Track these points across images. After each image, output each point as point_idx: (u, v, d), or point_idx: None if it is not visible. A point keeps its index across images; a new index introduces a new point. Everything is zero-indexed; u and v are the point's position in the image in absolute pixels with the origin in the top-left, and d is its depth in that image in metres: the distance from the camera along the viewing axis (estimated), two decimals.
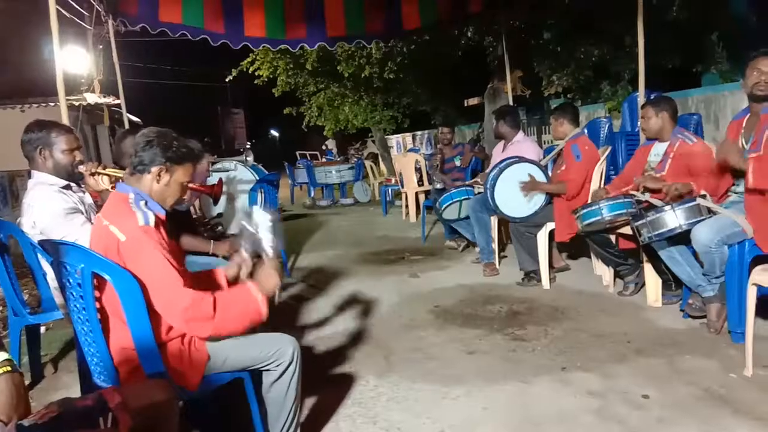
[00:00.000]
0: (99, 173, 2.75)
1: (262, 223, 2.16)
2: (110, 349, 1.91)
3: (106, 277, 1.82)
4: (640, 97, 4.93)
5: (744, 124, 3.21)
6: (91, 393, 1.61)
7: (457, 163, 6.50)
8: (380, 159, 15.59)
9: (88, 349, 1.99)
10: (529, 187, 4.38)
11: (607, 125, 5.61)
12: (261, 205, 5.49)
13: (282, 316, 4.13)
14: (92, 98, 11.20)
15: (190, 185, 2.21)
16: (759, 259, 2.90)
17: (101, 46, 8.80)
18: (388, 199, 10.06)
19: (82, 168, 2.78)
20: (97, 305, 1.88)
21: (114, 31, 5.73)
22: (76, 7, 5.87)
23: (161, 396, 1.64)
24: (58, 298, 2.81)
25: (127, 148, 2.84)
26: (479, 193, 5.19)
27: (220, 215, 3.70)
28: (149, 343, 1.86)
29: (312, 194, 12.60)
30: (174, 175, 2.04)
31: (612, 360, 3.01)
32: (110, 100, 11.64)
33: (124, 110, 6.10)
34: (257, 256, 2.20)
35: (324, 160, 14.93)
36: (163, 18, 5.69)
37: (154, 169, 2.00)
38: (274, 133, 45.71)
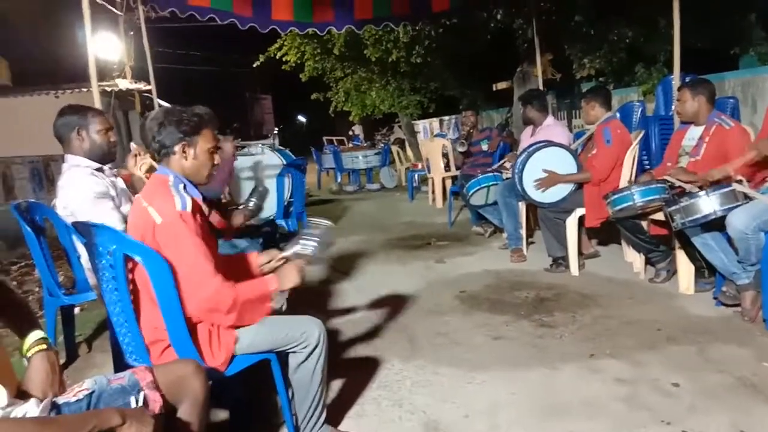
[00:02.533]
0: (143, 157, 2.84)
1: (316, 230, 2.23)
2: (142, 329, 1.95)
3: (138, 258, 1.85)
4: (675, 80, 4.81)
5: None
6: (123, 372, 1.64)
7: (484, 147, 6.42)
8: (407, 144, 15.51)
9: (120, 329, 2.03)
10: (547, 182, 4.31)
11: (640, 109, 5.49)
12: (286, 194, 5.53)
13: (308, 300, 4.16)
14: (124, 84, 11.36)
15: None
16: None
17: (132, 33, 8.91)
18: (414, 184, 10.03)
19: (133, 145, 2.90)
20: (129, 286, 1.92)
21: (144, 16, 5.79)
22: None
23: (192, 376, 1.66)
24: (91, 279, 2.88)
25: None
26: (507, 178, 5.13)
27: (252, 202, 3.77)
28: (180, 324, 1.89)
29: (339, 179, 12.63)
30: (198, 146, 2.05)
31: (642, 348, 2.96)
32: (141, 86, 11.79)
33: (155, 96, 6.17)
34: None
35: (351, 145, 14.93)
36: (192, 2, 5.72)
37: (177, 148, 2.02)
38: (302, 118, 45.83)
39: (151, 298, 1.91)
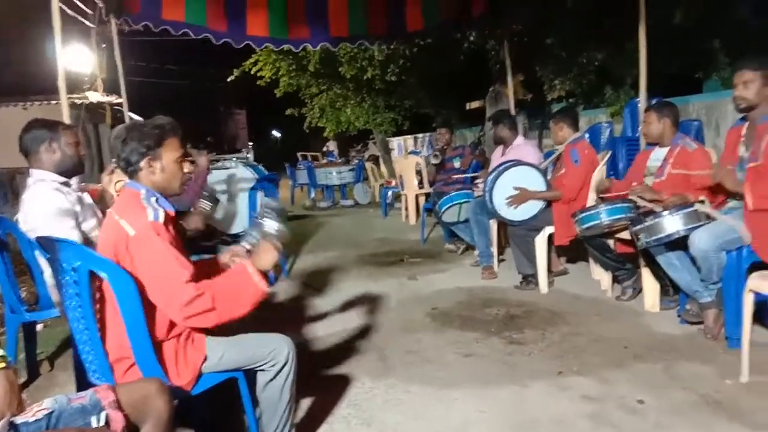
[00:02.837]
0: (119, 175, 2.83)
1: (268, 210, 2.22)
2: (106, 347, 1.91)
3: (103, 275, 1.82)
4: (642, 102, 4.94)
5: (743, 132, 3.21)
6: (85, 391, 1.61)
7: (457, 164, 6.48)
8: (381, 161, 15.59)
9: (83, 347, 1.98)
10: (519, 199, 4.38)
11: (608, 130, 5.61)
12: (259, 208, 5.51)
13: (278, 316, 4.13)
14: (95, 97, 11.22)
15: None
16: (756, 266, 2.90)
17: (104, 45, 8.82)
18: (388, 201, 10.06)
19: (113, 164, 2.90)
20: (94, 303, 1.88)
21: (117, 29, 5.74)
22: (80, 5, 5.88)
23: (155, 395, 1.64)
24: (55, 296, 2.82)
25: None
26: (479, 196, 5.18)
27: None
28: (145, 341, 1.86)
29: (312, 195, 12.60)
30: (163, 158, 2.02)
31: (609, 365, 3.01)
32: (112, 99, 11.66)
33: (125, 109, 6.09)
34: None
35: (325, 161, 14.94)
36: (166, 16, 5.69)
37: (143, 163, 2.00)
38: (276, 133, 45.74)
39: (115, 316, 1.88)
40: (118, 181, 2.86)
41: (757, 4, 7.83)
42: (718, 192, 3.23)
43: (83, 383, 2.08)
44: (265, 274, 1.98)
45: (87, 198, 2.93)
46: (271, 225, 2.17)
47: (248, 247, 2.24)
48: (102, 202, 2.97)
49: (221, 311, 1.88)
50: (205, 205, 3.71)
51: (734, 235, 2.98)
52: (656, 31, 5.29)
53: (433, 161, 6.41)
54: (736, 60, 8.07)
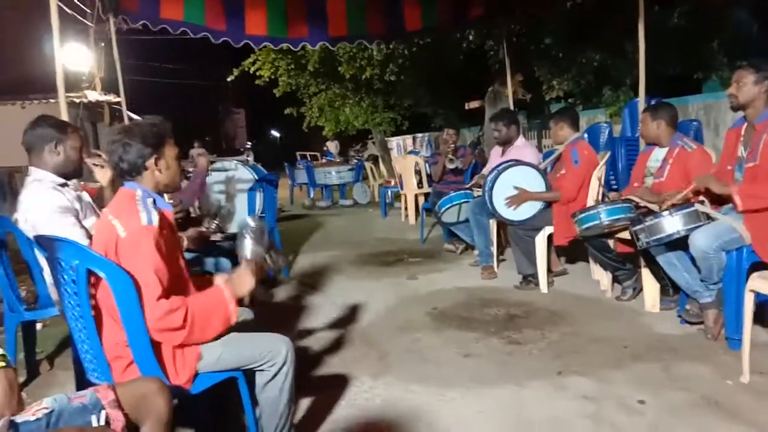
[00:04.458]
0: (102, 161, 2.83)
1: (248, 229, 2.19)
2: (104, 346, 1.91)
3: (101, 274, 1.82)
4: (641, 102, 4.94)
5: (742, 132, 3.21)
6: (85, 390, 1.60)
7: (458, 164, 6.46)
8: (380, 161, 15.59)
9: (82, 346, 1.98)
10: (518, 200, 4.37)
11: (607, 130, 5.62)
12: (257, 208, 5.50)
13: (277, 316, 4.12)
14: (93, 95, 11.21)
15: None
16: (756, 266, 2.90)
17: (103, 44, 8.82)
18: (387, 200, 10.05)
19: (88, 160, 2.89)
20: (92, 302, 1.88)
21: (116, 28, 5.73)
22: (78, 4, 5.88)
23: (155, 394, 1.63)
24: (54, 295, 2.81)
25: None
26: (479, 196, 5.18)
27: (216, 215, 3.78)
28: (143, 340, 1.86)
29: (311, 195, 12.59)
30: (166, 156, 2.05)
31: (608, 365, 3.00)
32: (111, 97, 11.65)
33: (124, 108, 6.09)
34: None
35: (324, 160, 14.93)
36: (164, 15, 5.68)
37: (149, 163, 2.00)
38: (275, 133, 45.70)
39: (113, 314, 1.87)
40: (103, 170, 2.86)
41: (755, 6, 7.85)
42: (710, 197, 3.23)
43: (83, 382, 2.07)
44: (239, 300, 2.01)
45: (86, 196, 2.92)
46: (248, 247, 2.15)
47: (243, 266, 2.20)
48: (99, 200, 2.96)
49: (189, 332, 1.90)
50: (213, 225, 3.71)
51: (734, 235, 2.98)
52: (655, 31, 5.30)
53: (450, 166, 6.24)
54: (734, 60, 8.11)
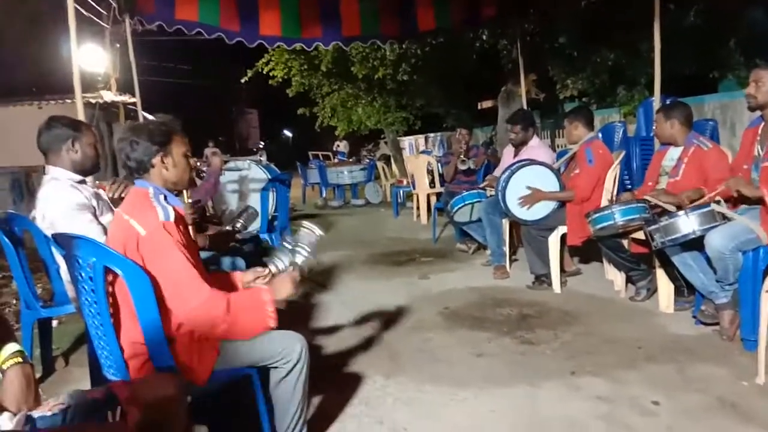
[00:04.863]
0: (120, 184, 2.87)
1: (304, 238, 2.21)
2: (120, 343, 1.93)
3: (118, 271, 1.83)
4: (656, 102, 4.90)
5: (759, 132, 3.18)
6: (100, 386, 1.62)
7: (470, 165, 6.45)
8: (392, 160, 15.60)
9: (98, 342, 2.00)
10: (531, 199, 4.35)
11: (621, 130, 5.57)
12: (270, 207, 5.52)
13: (291, 314, 4.12)
14: (108, 96, 11.32)
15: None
16: None
17: (118, 45, 8.90)
18: (399, 200, 10.05)
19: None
20: (109, 299, 1.90)
21: (131, 29, 5.79)
22: (95, 5, 5.94)
23: (170, 390, 1.64)
24: (70, 292, 2.84)
25: None
26: (492, 195, 5.16)
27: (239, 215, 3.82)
28: (159, 337, 1.87)
29: (324, 194, 12.61)
30: (173, 154, 2.06)
31: (622, 365, 2.98)
32: (126, 98, 11.75)
33: (139, 108, 6.14)
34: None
35: (336, 160, 14.96)
36: (179, 16, 5.73)
37: (155, 160, 2.03)
38: (288, 133, 45.86)
39: (130, 312, 1.89)
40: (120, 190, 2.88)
41: None
42: (737, 199, 3.19)
43: (98, 379, 2.10)
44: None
45: (103, 194, 2.95)
46: (301, 256, 2.17)
47: (274, 270, 2.23)
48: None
49: (230, 324, 1.90)
50: (239, 224, 3.74)
51: (751, 236, 2.95)
52: (670, 30, 5.26)
53: (462, 167, 6.22)
54: (751, 60, 8.02)
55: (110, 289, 1.90)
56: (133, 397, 1.57)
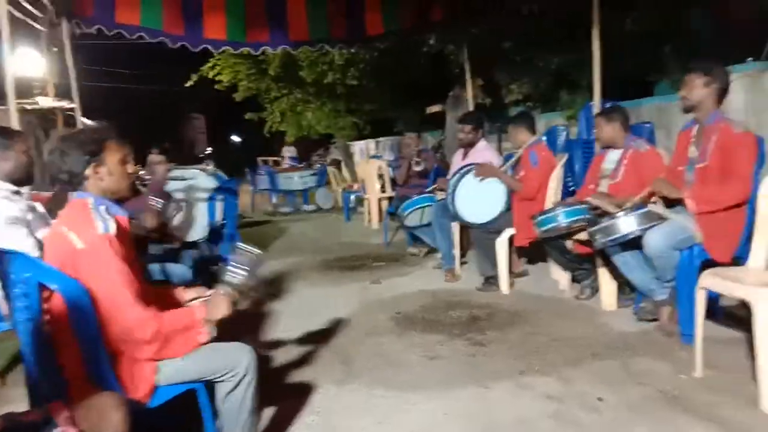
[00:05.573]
0: None
1: (243, 257, 2.14)
2: (58, 361, 1.85)
3: (54, 287, 1.76)
4: (596, 106, 5.06)
5: (693, 134, 3.33)
6: (38, 408, 1.55)
7: (419, 168, 6.51)
8: (343, 165, 15.58)
9: (35, 361, 1.91)
10: (486, 171, 4.47)
11: (564, 133, 5.73)
12: (218, 216, 5.42)
13: (239, 325, 4.05)
14: (45, 102, 10.86)
15: None
16: (707, 264, 3.00)
17: (56, 49, 8.55)
18: (350, 205, 10.05)
19: None
20: (45, 316, 1.82)
21: (69, 33, 5.58)
22: (29, 7, 5.69)
23: (111, 410, 1.59)
24: (4, 309, 2.71)
25: None
26: (441, 199, 5.22)
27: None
28: (99, 355, 1.81)
29: (274, 200, 12.47)
30: (107, 162, 1.98)
31: (569, 363, 3.06)
32: (65, 104, 11.31)
33: (78, 114, 5.92)
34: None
35: (286, 165, 14.80)
36: (120, 19, 5.56)
37: (89, 171, 1.95)
38: (236, 138, 45.12)
39: (68, 329, 1.82)
40: None
41: (705, 12, 8.15)
42: (663, 197, 3.33)
43: (36, 399, 2.00)
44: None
45: (39, 207, 2.84)
46: (237, 275, 2.10)
47: (222, 291, 2.12)
48: (51, 209, 2.88)
49: (159, 348, 1.87)
50: (155, 202, 3.63)
51: (686, 235, 3.08)
52: (610, 36, 5.45)
53: (417, 168, 6.34)
54: (685, 64, 8.39)
55: (46, 305, 1.82)
56: (72, 418, 1.51)
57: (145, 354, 1.89)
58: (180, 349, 1.94)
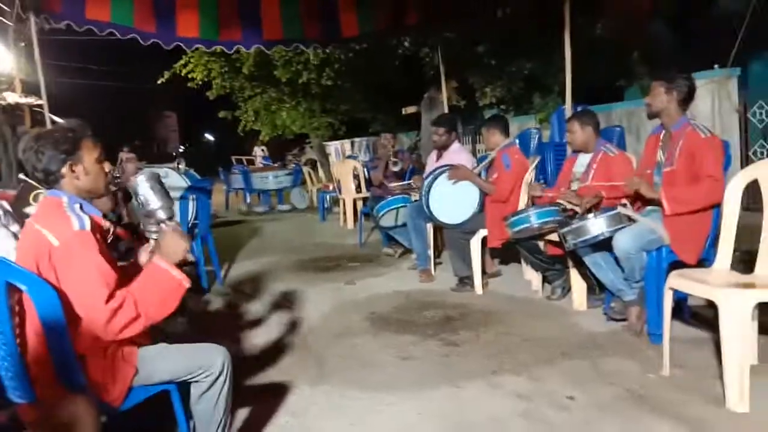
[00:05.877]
0: None
1: (144, 190, 2.07)
2: (26, 363, 1.81)
3: (22, 287, 1.73)
4: (567, 110, 5.15)
5: (661, 138, 3.41)
6: (5, 409, 1.52)
7: (395, 169, 6.55)
8: (318, 165, 15.52)
9: (2, 363, 1.87)
10: (459, 174, 4.50)
11: (537, 136, 5.80)
12: (190, 216, 5.35)
13: (213, 325, 4.04)
14: (12, 98, 10.62)
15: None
16: (675, 265, 3.08)
17: (24, 44, 8.35)
18: (326, 205, 10.03)
19: None
20: (14, 318, 1.78)
21: (37, 28, 5.45)
22: None
23: (80, 412, 1.57)
24: None
25: None
26: (416, 200, 5.25)
27: None
28: (68, 355, 1.77)
29: (248, 200, 12.38)
30: (84, 161, 1.95)
31: (540, 363, 3.11)
32: (32, 100, 11.05)
33: (46, 111, 5.79)
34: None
35: (261, 164, 14.71)
36: (90, 15, 5.45)
37: (65, 170, 1.93)
38: (209, 137, 44.63)
39: (36, 329, 1.78)
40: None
41: (671, 21, 8.36)
42: (637, 199, 3.41)
43: (3, 402, 1.96)
44: (180, 265, 1.94)
45: (5, 205, 2.77)
46: (161, 210, 2.05)
47: (155, 237, 2.12)
48: (16, 208, 2.82)
49: (147, 315, 1.85)
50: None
51: (654, 236, 3.16)
52: (580, 42, 5.56)
53: (394, 168, 6.41)
54: (653, 70, 8.58)
55: (14, 306, 1.79)
56: (40, 420, 1.49)
57: (141, 327, 1.85)
58: (170, 303, 1.89)
